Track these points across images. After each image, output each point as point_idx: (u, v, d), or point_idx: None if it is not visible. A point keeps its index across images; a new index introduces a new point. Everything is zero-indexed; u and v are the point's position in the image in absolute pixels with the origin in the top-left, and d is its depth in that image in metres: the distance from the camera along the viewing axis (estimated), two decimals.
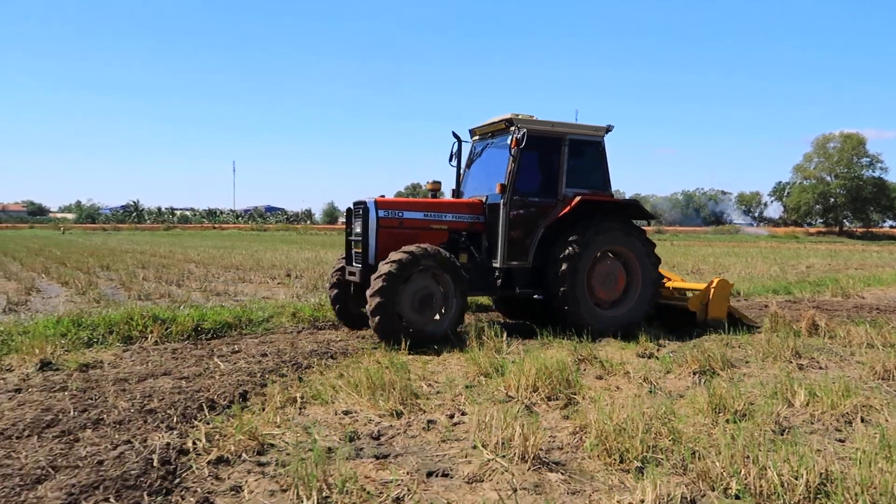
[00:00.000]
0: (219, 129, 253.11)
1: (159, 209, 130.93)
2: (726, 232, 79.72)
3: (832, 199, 74.90)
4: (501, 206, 8.31)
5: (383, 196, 8.46)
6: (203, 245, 36.63)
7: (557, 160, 8.67)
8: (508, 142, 8.40)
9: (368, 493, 3.42)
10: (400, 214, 8.30)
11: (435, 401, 5.21)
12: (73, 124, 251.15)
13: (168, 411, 4.78)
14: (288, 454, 4.00)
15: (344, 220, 8.56)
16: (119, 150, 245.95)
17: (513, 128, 8.41)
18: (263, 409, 4.84)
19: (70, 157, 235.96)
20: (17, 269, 17.85)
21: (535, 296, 8.87)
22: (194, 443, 4.11)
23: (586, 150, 8.90)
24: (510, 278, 8.60)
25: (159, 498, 3.38)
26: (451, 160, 9.57)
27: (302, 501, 3.32)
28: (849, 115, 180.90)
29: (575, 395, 5.31)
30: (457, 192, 9.63)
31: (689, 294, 9.28)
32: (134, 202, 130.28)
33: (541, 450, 3.95)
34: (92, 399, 5.12)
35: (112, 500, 3.32)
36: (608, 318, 8.48)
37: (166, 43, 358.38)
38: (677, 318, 8.96)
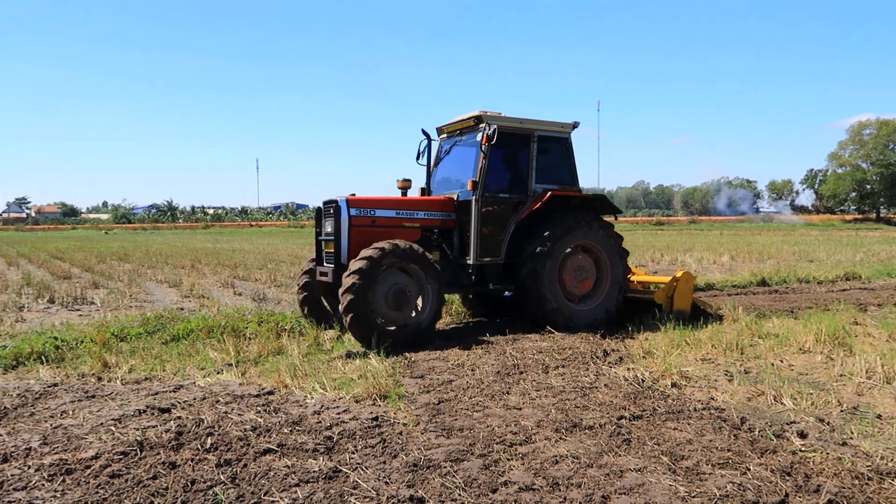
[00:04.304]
0: (240, 126, 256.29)
1: (192, 208, 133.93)
2: (759, 220, 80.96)
3: (868, 187, 76.03)
4: (473, 203, 8.38)
5: (354, 194, 8.42)
6: (274, 242, 38.68)
7: (527, 156, 8.82)
8: (478, 139, 8.50)
9: (808, 394, 5.28)
10: (372, 213, 8.28)
11: (754, 352, 7.07)
12: (93, 126, 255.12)
13: (582, 360, 6.71)
14: (705, 379, 5.89)
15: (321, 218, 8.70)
16: (141, 149, 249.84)
17: (482, 124, 8.51)
18: (644, 357, 6.76)
19: (92, 159, 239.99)
20: (172, 269, 19.88)
21: (506, 293, 9.12)
22: (641, 375, 6.01)
23: (554, 147, 9.09)
24: (483, 275, 8.75)
25: (669, 401, 5.25)
26: (418, 158, 9.62)
27: (776, 398, 5.20)
28: (872, 101, 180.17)
29: (852, 347, 7.14)
30: (426, 191, 9.73)
31: (654, 288, 9.66)
32: (168, 202, 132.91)
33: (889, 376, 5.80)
34: (509, 353, 7.04)
35: (642, 399, 5.21)
36: (579, 313, 8.70)
37: (180, 44, 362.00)
38: (643, 311, 9.17)
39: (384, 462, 4.05)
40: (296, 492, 3.61)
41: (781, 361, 6.66)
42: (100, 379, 6.26)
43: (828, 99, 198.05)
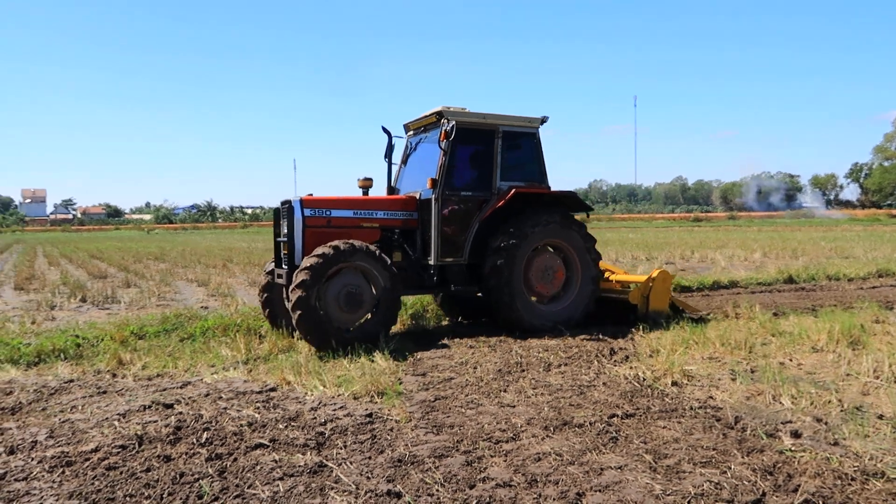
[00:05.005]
0: (278, 127, 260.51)
1: (231, 208, 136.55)
2: (801, 216, 79.09)
3: None
4: (433, 202, 8.16)
5: (311, 194, 8.22)
6: None
7: (491, 153, 8.52)
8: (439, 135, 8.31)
9: (809, 393, 5.20)
10: (327, 213, 8.06)
11: (764, 351, 6.96)
12: (137, 129, 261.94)
13: (587, 358, 6.72)
14: (707, 378, 5.83)
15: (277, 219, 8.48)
16: (183, 151, 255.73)
17: (443, 120, 8.31)
18: (651, 356, 6.72)
19: (136, 161, 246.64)
20: (204, 269, 20.34)
21: (479, 293, 8.79)
22: (643, 373, 5.98)
23: (521, 143, 8.80)
24: (445, 276, 8.48)
25: (666, 399, 5.23)
26: (386, 156, 9.37)
27: (775, 397, 5.13)
28: None
29: (865, 345, 6.98)
30: (391, 189, 9.44)
31: (633, 287, 9.09)
32: (208, 202, 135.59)
33: None
34: (515, 351, 7.07)
35: (639, 397, 5.20)
36: (548, 314, 8.44)
37: (219, 47, 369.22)
38: (618, 312, 8.88)
39: (369, 458, 4.13)
40: (278, 485, 3.72)
41: (791, 360, 6.55)
42: (114, 375, 6.48)
43: (873, 91, 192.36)
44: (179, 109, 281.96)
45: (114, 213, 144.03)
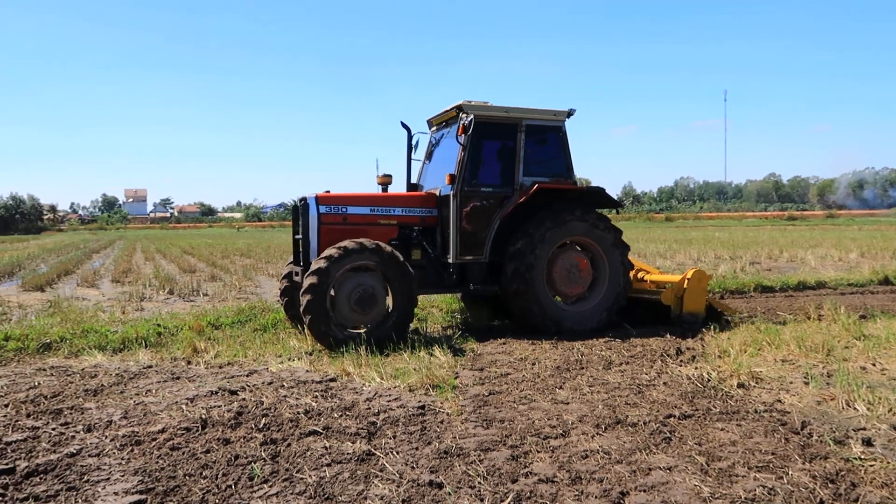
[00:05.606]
0: (361, 126, 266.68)
1: None
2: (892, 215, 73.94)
3: None
4: (451, 198, 7.94)
5: (328, 191, 8.09)
6: None
7: (513, 147, 8.21)
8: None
9: (887, 400, 4.87)
10: (344, 210, 7.92)
11: (844, 354, 6.57)
12: (229, 131, 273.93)
13: (650, 357, 6.56)
14: (777, 381, 5.56)
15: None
16: (272, 151, 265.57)
17: (461, 114, 8.11)
18: (720, 357, 6.48)
19: (228, 162, 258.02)
20: (286, 264, 21.05)
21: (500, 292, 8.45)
22: (708, 374, 5.78)
23: (545, 137, 8.46)
24: (465, 274, 8.22)
25: (729, 401, 5.02)
26: (407, 153, 9.16)
27: (849, 403, 4.84)
28: None
29: None
30: (412, 185, 9.24)
31: (668, 287, 8.66)
32: (294, 200, 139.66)
33: None
34: (577, 348, 6.98)
35: (700, 398, 5.02)
36: (573, 315, 8.12)
37: (303, 46, 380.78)
38: (651, 314, 8.56)
39: (416, 448, 4.18)
40: (325, 471, 3.82)
41: (874, 365, 6.15)
42: (188, 363, 6.84)
43: None
44: (269, 111, 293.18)
45: (207, 212, 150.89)
